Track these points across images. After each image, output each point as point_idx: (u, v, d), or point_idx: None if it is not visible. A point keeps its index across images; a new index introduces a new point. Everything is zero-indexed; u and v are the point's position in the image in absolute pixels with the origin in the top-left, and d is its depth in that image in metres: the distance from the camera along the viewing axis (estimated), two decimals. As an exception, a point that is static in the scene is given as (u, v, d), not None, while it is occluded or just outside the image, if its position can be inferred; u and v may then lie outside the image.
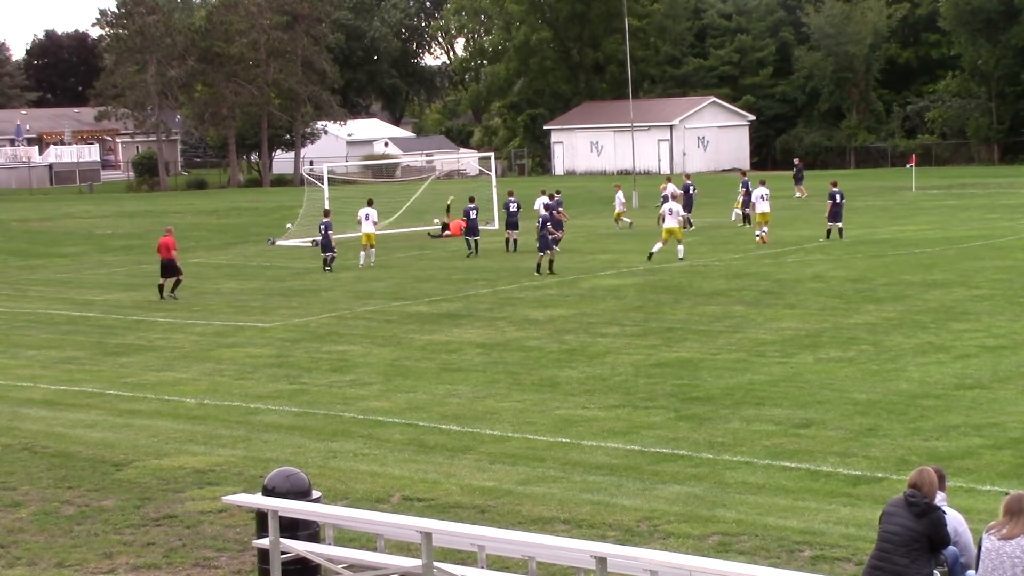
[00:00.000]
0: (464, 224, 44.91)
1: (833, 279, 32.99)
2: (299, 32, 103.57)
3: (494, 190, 55.19)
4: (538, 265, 36.80)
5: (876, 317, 26.88)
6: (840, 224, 42.46)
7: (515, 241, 44.37)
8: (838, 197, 42.36)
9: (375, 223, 42.14)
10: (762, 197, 43.89)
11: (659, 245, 38.74)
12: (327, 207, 44.48)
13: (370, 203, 42.74)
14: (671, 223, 38.74)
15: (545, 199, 45.97)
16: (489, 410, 20.10)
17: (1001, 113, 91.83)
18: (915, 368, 21.63)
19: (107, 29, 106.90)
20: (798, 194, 62.73)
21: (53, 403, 22.19)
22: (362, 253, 41.59)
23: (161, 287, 35.59)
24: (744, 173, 57.93)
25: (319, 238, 41.81)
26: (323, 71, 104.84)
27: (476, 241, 44.20)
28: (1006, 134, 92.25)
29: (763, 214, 43.43)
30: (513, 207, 44.73)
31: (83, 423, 20.53)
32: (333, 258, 40.90)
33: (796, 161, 69.78)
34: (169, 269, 35.61)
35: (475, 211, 44.48)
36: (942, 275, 32.82)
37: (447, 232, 50.78)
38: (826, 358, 22.85)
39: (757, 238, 42.62)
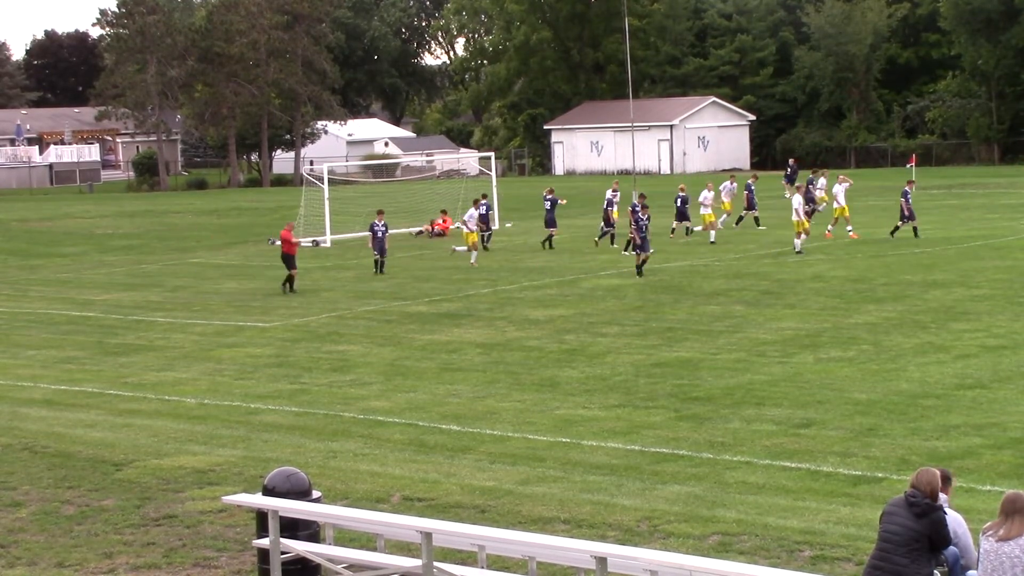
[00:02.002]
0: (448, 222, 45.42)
1: (833, 279, 33.00)
2: (299, 32, 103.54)
3: (494, 190, 55.28)
4: (641, 264, 35.82)
5: (876, 317, 26.89)
6: (912, 222, 42.27)
7: (550, 238, 44.74)
8: (901, 193, 42.68)
9: (464, 221, 42.24)
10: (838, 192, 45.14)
11: (800, 239, 39.82)
12: (381, 208, 42.49)
13: (475, 203, 43.50)
14: (797, 216, 40.04)
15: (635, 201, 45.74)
16: (489, 410, 20.11)
17: (1001, 113, 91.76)
18: (915, 368, 21.63)
19: (107, 29, 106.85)
20: (787, 194, 62.71)
21: (53, 403, 22.19)
22: (473, 252, 41.23)
23: (288, 279, 35.64)
24: (815, 171, 59.44)
25: (368, 234, 40.55)
26: (323, 71, 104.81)
27: (488, 235, 45.08)
28: (1006, 134, 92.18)
29: (840, 208, 44.53)
30: (548, 204, 45.07)
31: (83, 423, 20.53)
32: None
33: (791, 161, 69.84)
34: (290, 262, 35.65)
35: (486, 207, 45.45)
36: (942, 275, 32.82)
37: (437, 232, 51.27)
38: (826, 358, 22.85)
39: (828, 232, 43.79)
